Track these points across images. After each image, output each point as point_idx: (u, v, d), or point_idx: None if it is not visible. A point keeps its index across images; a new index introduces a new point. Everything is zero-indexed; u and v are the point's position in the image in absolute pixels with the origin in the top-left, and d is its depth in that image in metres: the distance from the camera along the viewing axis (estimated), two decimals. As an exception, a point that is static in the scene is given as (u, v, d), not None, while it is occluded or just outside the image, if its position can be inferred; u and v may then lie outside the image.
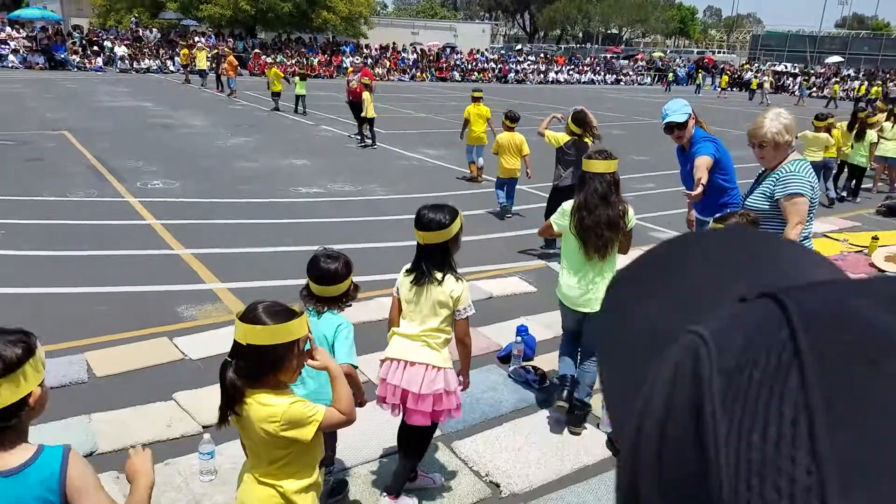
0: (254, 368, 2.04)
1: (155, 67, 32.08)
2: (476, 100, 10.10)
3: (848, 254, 7.55)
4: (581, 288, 3.76)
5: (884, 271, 7.00)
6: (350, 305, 2.90)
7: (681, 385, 0.27)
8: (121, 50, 31.90)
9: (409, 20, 56.57)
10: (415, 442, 3.20)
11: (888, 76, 40.48)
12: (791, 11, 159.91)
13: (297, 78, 18.73)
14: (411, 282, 3.03)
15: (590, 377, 3.89)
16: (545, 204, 7.02)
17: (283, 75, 19.17)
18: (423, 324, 3.02)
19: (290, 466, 2.16)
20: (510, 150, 8.16)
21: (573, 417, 3.85)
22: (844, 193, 10.98)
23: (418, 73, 39.76)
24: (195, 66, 25.46)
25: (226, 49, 28.73)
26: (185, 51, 27.59)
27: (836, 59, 47.96)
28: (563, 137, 6.74)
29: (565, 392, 3.79)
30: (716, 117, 21.90)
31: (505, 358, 4.71)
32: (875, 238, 7.62)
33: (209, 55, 26.20)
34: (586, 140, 6.64)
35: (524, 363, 4.58)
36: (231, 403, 2.07)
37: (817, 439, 0.23)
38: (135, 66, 31.60)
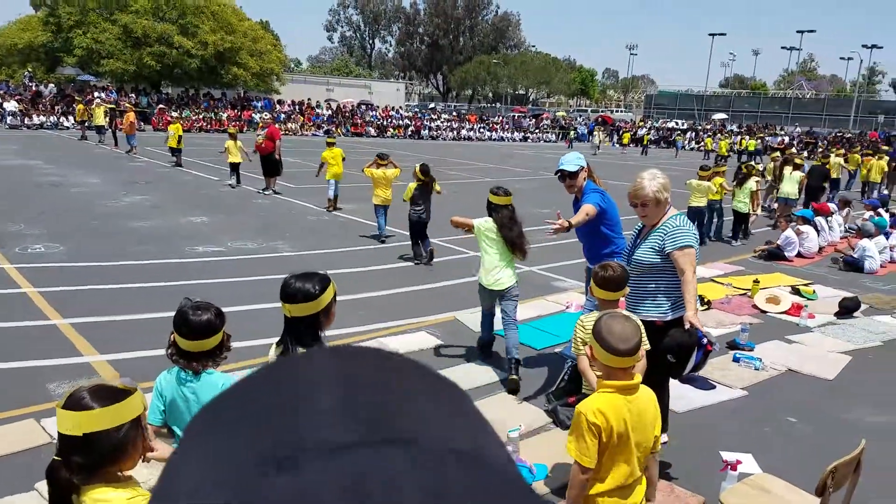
0: (93, 461, 1.79)
1: (49, 124, 30.70)
2: (330, 145, 12.63)
3: (732, 297, 7.97)
4: (496, 276, 5.34)
5: (765, 312, 7.43)
6: (225, 358, 2.74)
7: None
8: (10, 105, 30.38)
9: (324, 77, 57.03)
10: None
11: (765, 129, 44.16)
12: (681, 72, 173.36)
13: (229, 141, 15.17)
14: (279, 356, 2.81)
15: (512, 339, 5.26)
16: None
17: (181, 133, 18.49)
18: None
19: None
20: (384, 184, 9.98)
21: (511, 379, 5.12)
22: (731, 236, 11.92)
23: (333, 129, 39.96)
24: (92, 122, 24.58)
25: (126, 105, 27.92)
26: (81, 106, 26.60)
27: (721, 115, 52.00)
28: (413, 185, 8.84)
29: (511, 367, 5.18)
30: (612, 172, 23.08)
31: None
32: (756, 281, 8.10)
33: (106, 110, 25.36)
34: (431, 186, 8.94)
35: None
36: None
37: None
38: (26, 122, 30.13)
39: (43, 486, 3.62)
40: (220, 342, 2.65)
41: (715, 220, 11.79)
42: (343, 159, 12.72)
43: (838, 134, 41.59)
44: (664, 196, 4.01)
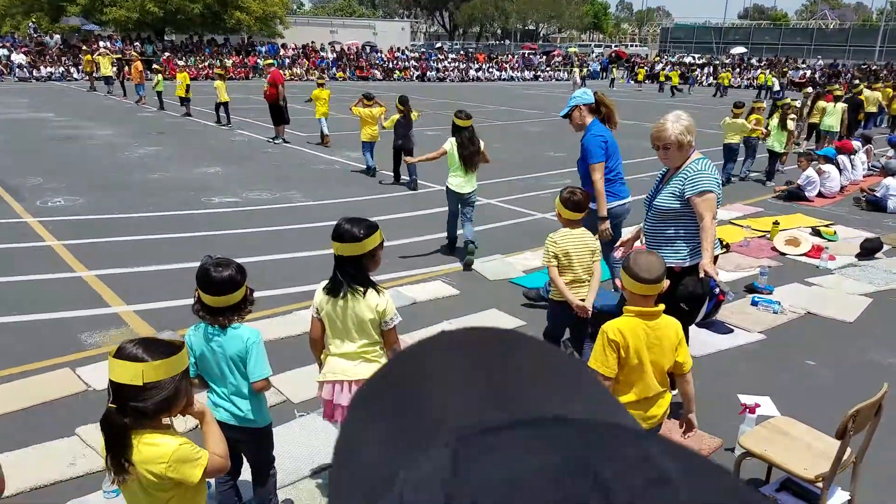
0: (147, 408, 1.93)
1: (57, 75, 30.47)
2: (320, 85, 13.88)
3: (751, 239, 7.92)
4: (461, 183, 6.77)
5: (785, 254, 7.39)
6: (249, 311, 2.82)
7: None
8: (19, 58, 30.11)
9: (328, 19, 55.74)
10: None
11: (787, 63, 42.85)
12: (698, 3, 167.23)
13: (218, 81, 16.86)
14: (332, 297, 2.98)
15: (468, 231, 6.80)
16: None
17: (188, 82, 18.32)
18: (355, 340, 3.01)
19: None
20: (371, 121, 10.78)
21: (468, 256, 6.68)
22: (766, 177, 11.66)
23: (338, 73, 39.30)
24: (100, 72, 24.38)
25: (132, 54, 27.59)
26: (88, 57, 26.38)
27: (740, 49, 50.39)
28: (395, 116, 10.03)
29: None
30: (628, 112, 22.65)
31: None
32: (776, 223, 8.02)
33: (113, 60, 25.11)
34: (410, 115, 10.06)
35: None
36: (124, 451, 1.95)
37: None
38: (35, 74, 29.91)
39: (84, 430, 3.79)
40: (244, 297, 2.72)
41: (748, 158, 11.65)
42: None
43: (863, 66, 40.30)
44: (687, 139, 3.92)
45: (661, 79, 36.05)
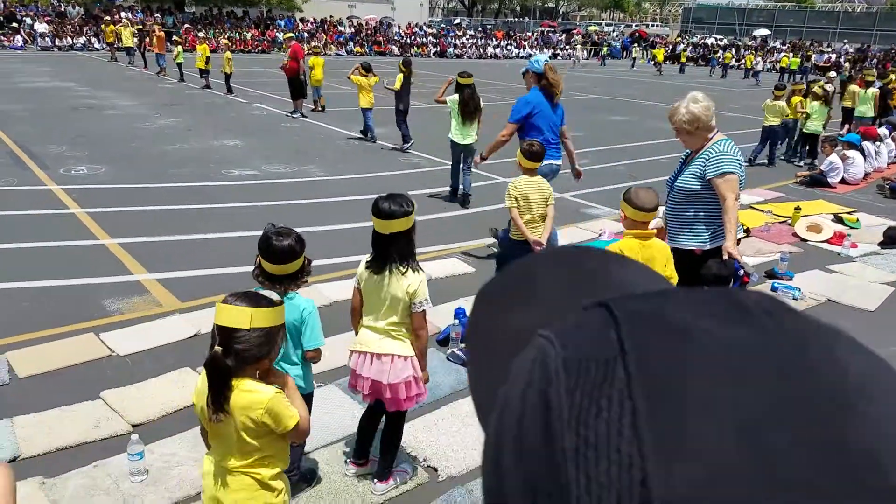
0: (250, 353, 2.07)
1: (79, 45, 30.55)
2: (315, 53, 14.90)
3: (773, 224, 7.85)
4: (464, 134, 7.89)
5: (806, 240, 7.33)
6: (307, 282, 2.89)
7: (532, 378, 0.31)
8: (41, 27, 30.20)
9: (346, -8, 55.24)
10: (387, 433, 3.25)
11: (811, 46, 42.04)
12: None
13: (228, 53, 17.48)
14: (372, 273, 3.03)
15: (467, 181, 8.08)
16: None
17: (208, 54, 18.40)
18: (384, 317, 3.05)
19: (264, 454, 2.19)
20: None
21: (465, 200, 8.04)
22: (808, 161, 11.69)
23: (356, 48, 39.08)
24: (121, 43, 24.45)
25: (154, 25, 27.58)
26: (111, 27, 26.44)
27: (764, 31, 49.47)
28: (400, 76, 10.74)
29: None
30: (645, 91, 22.38)
31: (443, 341, 4.73)
32: (797, 209, 7.93)
33: (135, 31, 25.15)
34: (410, 77, 10.96)
35: (462, 346, 4.61)
36: (226, 393, 2.07)
37: (639, 423, 0.27)
38: (57, 43, 29.99)
39: (108, 394, 3.86)
40: (301, 266, 2.81)
41: (784, 140, 11.90)
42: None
43: (891, 51, 39.42)
44: (702, 122, 3.87)
45: (683, 59, 35.55)
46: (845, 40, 46.52)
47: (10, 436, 3.50)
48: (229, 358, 2.05)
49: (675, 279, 3.55)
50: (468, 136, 7.88)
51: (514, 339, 0.37)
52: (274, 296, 2.22)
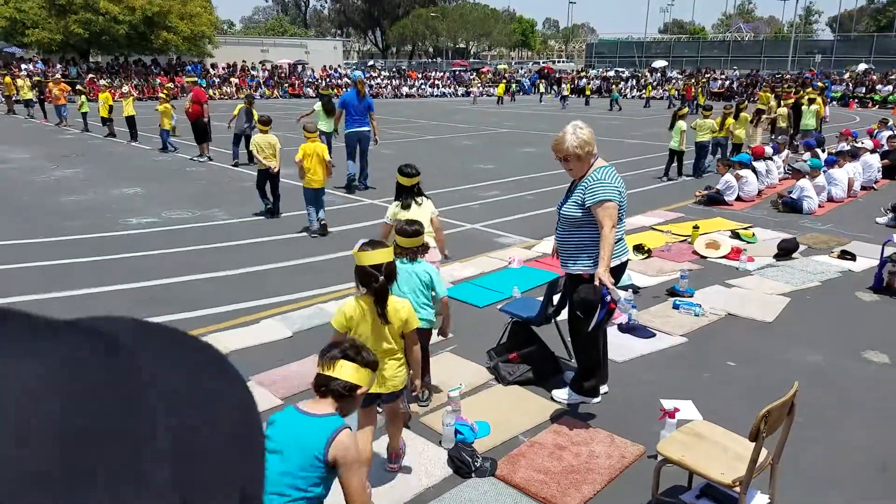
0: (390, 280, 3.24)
1: (-29, 99, 28.86)
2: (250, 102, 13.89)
3: (672, 244, 8.05)
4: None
5: (705, 257, 7.55)
6: (423, 254, 4.03)
7: None
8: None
9: (259, 38, 55.00)
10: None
11: (706, 75, 44.65)
12: (621, 19, 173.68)
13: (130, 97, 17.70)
14: (402, 207, 4.99)
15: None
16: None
17: (111, 102, 17.83)
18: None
19: (398, 351, 3.35)
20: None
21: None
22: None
23: (268, 91, 38.73)
24: (19, 95, 23.54)
25: (54, 76, 26.56)
26: (8, 80, 25.34)
27: (662, 62, 52.22)
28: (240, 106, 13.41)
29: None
30: (553, 124, 22.95)
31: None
32: (696, 227, 8.20)
33: (32, 83, 24.15)
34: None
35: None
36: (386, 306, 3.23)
37: None
38: (-51, 98, 28.24)
39: None
40: (420, 244, 3.95)
41: (718, 154, 13.35)
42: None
43: (777, 76, 42.29)
44: (585, 150, 3.96)
45: (587, 93, 37.10)
46: (735, 67, 49.69)
47: None
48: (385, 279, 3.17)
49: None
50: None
51: None
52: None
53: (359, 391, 2.50)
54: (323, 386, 2.47)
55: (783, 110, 17.33)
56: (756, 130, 15.68)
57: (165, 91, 16.99)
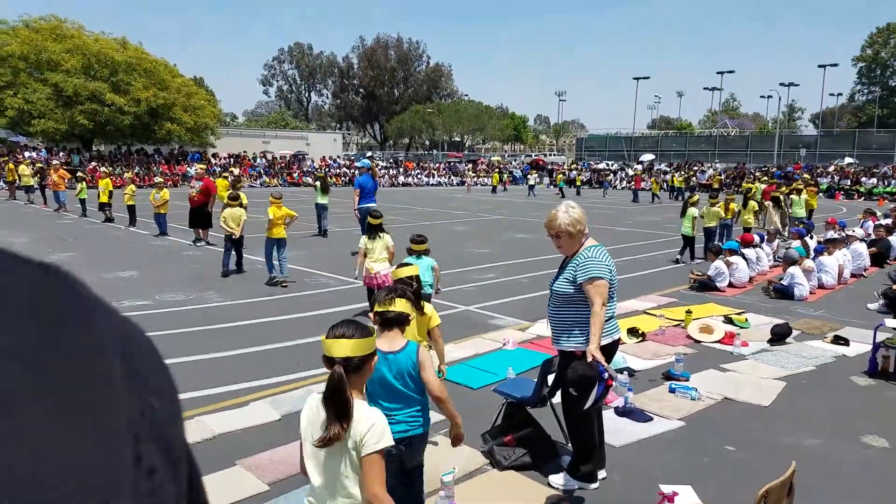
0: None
1: (-26, 186, 29.44)
2: (236, 186, 14.39)
3: (666, 328, 8.06)
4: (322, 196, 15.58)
5: (699, 341, 7.54)
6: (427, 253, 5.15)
7: None
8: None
9: (261, 130, 56.79)
10: None
11: (694, 167, 46.00)
12: (610, 116, 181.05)
13: (132, 186, 18.09)
14: (368, 238, 7.34)
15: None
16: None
17: (111, 188, 18.30)
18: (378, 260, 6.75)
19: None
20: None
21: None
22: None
23: (268, 179, 39.58)
24: (20, 182, 24.14)
25: (54, 163, 27.19)
26: (11, 166, 26.03)
27: (650, 156, 53.88)
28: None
29: None
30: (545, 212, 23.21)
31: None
32: (689, 312, 8.22)
33: (34, 169, 24.77)
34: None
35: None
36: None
37: None
38: (-49, 183, 28.79)
39: None
40: (427, 248, 5.22)
41: (722, 237, 14.05)
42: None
43: (762, 168, 43.57)
44: (577, 228, 4.07)
45: (578, 183, 38.25)
46: (716, 161, 51.29)
47: None
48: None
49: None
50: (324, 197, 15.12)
51: None
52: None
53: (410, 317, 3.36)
54: (387, 319, 3.21)
55: (767, 203, 17.75)
56: (776, 211, 16.96)
57: (161, 178, 17.72)
